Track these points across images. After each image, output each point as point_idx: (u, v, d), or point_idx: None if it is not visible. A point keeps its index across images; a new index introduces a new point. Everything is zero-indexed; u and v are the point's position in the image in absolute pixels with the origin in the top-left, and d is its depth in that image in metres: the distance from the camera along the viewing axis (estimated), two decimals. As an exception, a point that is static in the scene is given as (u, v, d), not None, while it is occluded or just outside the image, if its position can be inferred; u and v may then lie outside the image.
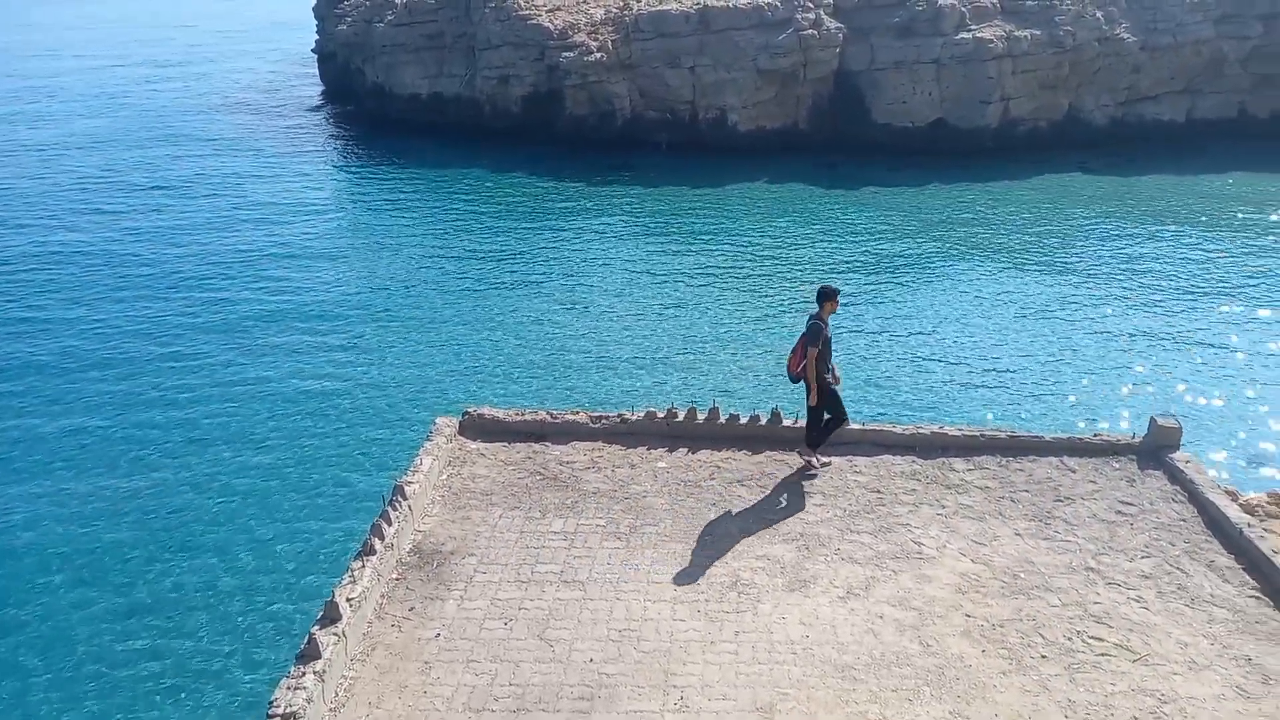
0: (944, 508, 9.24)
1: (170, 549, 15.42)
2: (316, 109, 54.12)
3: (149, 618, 13.82)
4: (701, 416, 10.48)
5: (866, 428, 10.49)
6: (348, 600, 7.28)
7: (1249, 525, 8.49)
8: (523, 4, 45.65)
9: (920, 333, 23.77)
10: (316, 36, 56.95)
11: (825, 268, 28.80)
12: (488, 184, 39.26)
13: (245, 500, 16.71)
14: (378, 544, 7.98)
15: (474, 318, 25.22)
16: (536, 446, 10.38)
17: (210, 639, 13.37)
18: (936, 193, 36.59)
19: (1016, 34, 40.69)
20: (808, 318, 9.70)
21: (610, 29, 44.50)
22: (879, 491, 9.51)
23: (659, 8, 44.18)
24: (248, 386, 21.14)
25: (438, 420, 10.73)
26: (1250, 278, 27.26)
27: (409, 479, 9.15)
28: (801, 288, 26.93)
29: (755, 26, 42.42)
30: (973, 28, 41.15)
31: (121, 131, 48.38)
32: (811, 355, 9.40)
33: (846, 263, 29.43)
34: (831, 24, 42.35)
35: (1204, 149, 39.91)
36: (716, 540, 8.70)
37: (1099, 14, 41.43)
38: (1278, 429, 18.63)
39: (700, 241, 31.79)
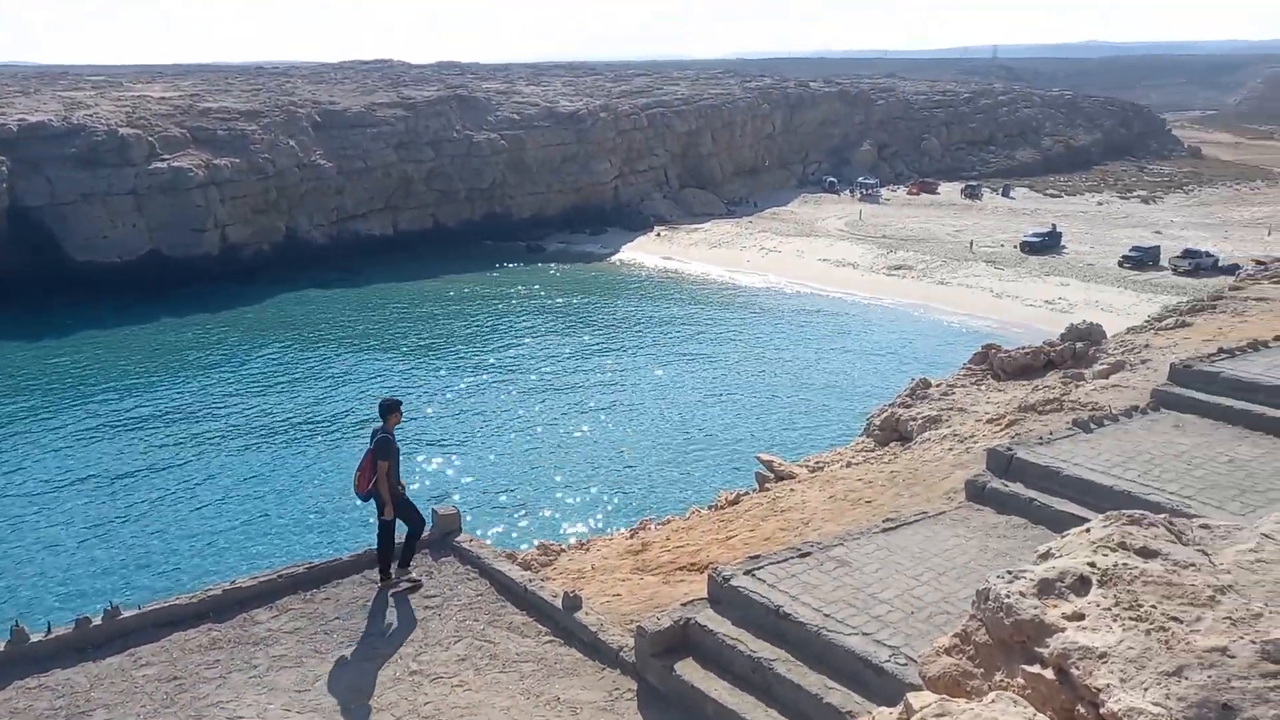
0: (256, 667, 8.37)
1: None
2: None
3: None
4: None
5: (145, 610, 8.99)
6: None
7: (530, 580, 9.53)
8: None
9: (173, 467, 21.99)
10: None
11: (41, 434, 24.72)
12: None
13: None
14: None
15: None
16: None
17: None
18: (167, 325, 34.57)
19: (216, 162, 40.99)
20: (373, 432, 9.37)
21: None
22: (177, 679, 8.17)
23: None
24: None
25: None
26: (478, 355, 31.79)
27: None
28: (37, 470, 22.62)
29: None
30: (166, 157, 40.17)
31: None
32: (383, 469, 9.19)
33: (66, 419, 25.70)
34: (-9, 155, 36.99)
35: (412, 255, 45.81)
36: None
37: (292, 142, 44.25)
38: (534, 489, 21.87)
39: None
